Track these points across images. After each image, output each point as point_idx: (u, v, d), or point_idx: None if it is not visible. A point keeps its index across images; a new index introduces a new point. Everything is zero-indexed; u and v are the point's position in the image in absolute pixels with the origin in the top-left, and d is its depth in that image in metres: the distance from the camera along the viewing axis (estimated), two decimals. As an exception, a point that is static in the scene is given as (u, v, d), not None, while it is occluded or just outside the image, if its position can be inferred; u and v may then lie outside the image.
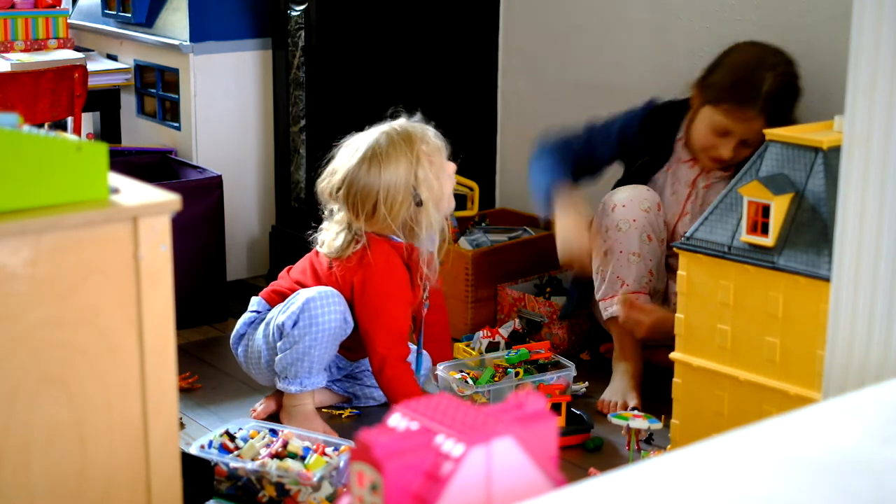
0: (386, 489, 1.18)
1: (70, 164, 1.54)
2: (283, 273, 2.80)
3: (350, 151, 2.63)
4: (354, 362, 2.82)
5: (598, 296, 2.83)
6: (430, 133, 2.66)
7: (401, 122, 2.68)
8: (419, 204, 2.60)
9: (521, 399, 1.28)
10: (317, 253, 2.73)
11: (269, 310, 2.71)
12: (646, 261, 2.77)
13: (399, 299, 2.65)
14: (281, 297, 2.71)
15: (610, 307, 2.79)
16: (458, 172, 3.41)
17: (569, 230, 2.77)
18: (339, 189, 2.63)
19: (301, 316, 2.58)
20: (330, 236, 2.69)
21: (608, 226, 2.78)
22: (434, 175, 2.62)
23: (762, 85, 2.68)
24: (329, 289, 2.62)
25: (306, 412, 2.67)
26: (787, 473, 1.19)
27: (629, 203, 2.77)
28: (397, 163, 2.59)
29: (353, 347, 2.72)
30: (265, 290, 2.78)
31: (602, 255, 2.79)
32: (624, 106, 2.91)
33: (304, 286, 2.68)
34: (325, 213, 2.73)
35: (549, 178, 2.86)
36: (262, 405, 2.77)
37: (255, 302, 2.77)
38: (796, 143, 2.26)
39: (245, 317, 2.76)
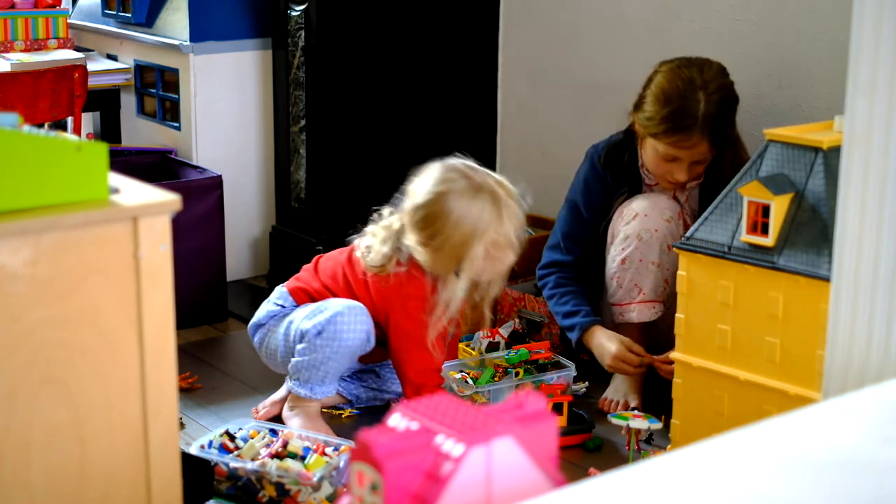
0: (386, 489, 1.18)
1: (70, 164, 1.54)
2: (310, 267, 2.75)
3: (455, 172, 2.55)
4: (364, 364, 2.82)
5: (612, 300, 2.82)
6: (515, 224, 2.56)
7: (508, 194, 2.56)
8: (456, 273, 2.56)
9: (521, 399, 1.28)
10: (349, 260, 2.69)
11: (295, 307, 2.70)
12: (663, 270, 2.76)
13: (437, 335, 2.61)
14: (309, 297, 2.69)
15: (627, 313, 2.79)
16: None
17: (610, 344, 2.75)
18: (418, 196, 2.55)
19: (327, 327, 2.57)
20: (376, 243, 2.62)
21: (628, 234, 2.77)
22: (487, 260, 2.55)
23: (697, 109, 2.65)
24: (358, 305, 2.60)
25: (310, 413, 2.67)
26: (787, 473, 1.19)
27: (651, 212, 2.76)
28: (469, 219, 2.51)
29: (366, 353, 2.71)
30: (293, 283, 2.74)
31: (620, 263, 2.79)
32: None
33: (332, 292, 2.66)
34: (374, 216, 2.68)
35: (567, 308, 2.85)
36: (265, 409, 2.76)
37: (281, 295, 2.74)
38: (796, 143, 2.26)
39: (269, 308, 2.74)
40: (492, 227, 2.52)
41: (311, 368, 2.60)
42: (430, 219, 2.53)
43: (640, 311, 2.78)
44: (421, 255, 2.56)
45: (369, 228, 2.67)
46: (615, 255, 2.80)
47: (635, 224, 2.77)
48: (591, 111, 3.38)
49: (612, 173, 2.87)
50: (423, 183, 2.57)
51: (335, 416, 2.80)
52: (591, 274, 2.90)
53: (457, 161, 2.59)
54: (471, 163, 2.59)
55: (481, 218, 2.51)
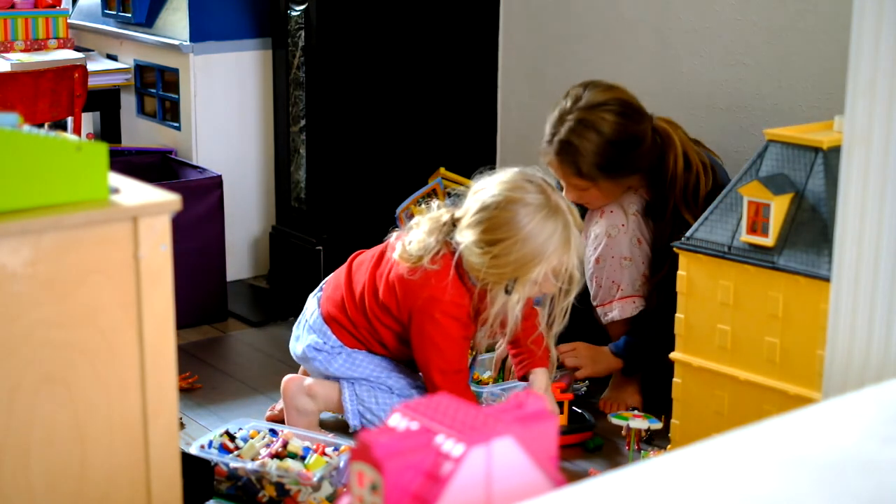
0: (386, 489, 1.18)
1: (70, 164, 1.54)
2: (341, 275, 2.64)
3: (532, 183, 2.42)
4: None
5: (595, 302, 2.81)
6: (578, 256, 2.44)
7: (577, 223, 2.44)
8: (507, 291, 2.44)
9: (521, 399, 1.28)
10: (378, 260, 2.58)
11: (341, 345, 2.61)
12: (637, 264, 2.76)
13: (458, 338, 2.52)
14: (353, 338, 2.60)
15: (609, 312, 2.79)
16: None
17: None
18: (487, 195, 2.42)
19: None
20: (419, 235, 2.49)
21: (597, 232, 2.77)
22: (540, 283, 2.43)
23: (556, 132, 2.69)
24: None
25: (313, 421, 2.66)
26: (787, 473, 1.19)
27: (615, 208, 2.76)
28: (539, 239, 2.38)
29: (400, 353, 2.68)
30: (327, 307, 2.63)
31: (595, 263, 2.78)
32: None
33: (365, 305, 2.57)
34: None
35: None
36: (281, 408, 2.74)
37: (322, 330, 2.62)
38: (796, 143, 2.26)
39: (311, 341, 2.63)
40: (557, 253, 2.39)
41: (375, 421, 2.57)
42: (497, 224, 2.39)
43: (621, 308, 2.78)
44: (475, 256, 2.42)
45: (413, 221, 2.55)
46: (590, 255, 2.79)
47: (602, 222, 2.77)
48: (591, 111, 3.38)
49: None
50: (494, 183, 2.43)
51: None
52: None
53: (533, 172, 2.46)
54: (549, 179, 2.46)
55: (550, 241, 2.38)
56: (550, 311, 2.53)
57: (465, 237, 2.43)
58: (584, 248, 2.47)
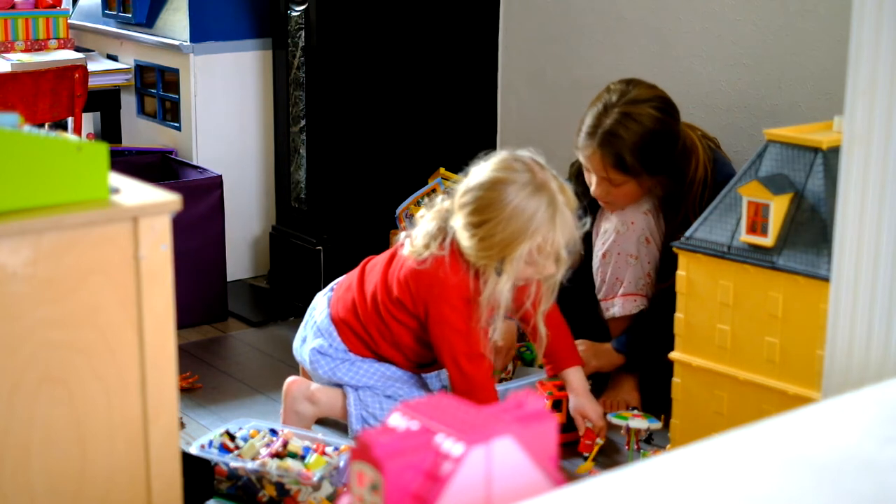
0: (386, 489, 1.18)
1: (70, 164, 1.54)
2: (354, 278, 2.64)
3: (520, 163, 2.42)
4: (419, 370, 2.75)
5: (599, 296, 2.82)
6: (566, 234, 2.42)
7: (568, 202, 2.42)
8: (498, 273, 2.44)
9: (521, 399, 1.28)
10: (390, 260, 2.58)
11: (346, 351, 2.60)
12: (643, 263, 2.76)
13: (475, 321, 2.50)
14: (361, 342, 2.60)
15: (611, 307, 2.79)
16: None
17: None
18: (475, 177, 2.43)
19: None
20: (423, 226, 2.50)
21: (607, 228, 2.78)
22: (529, 263, 2.42)
23: (600, 123, 2.67)
24: None
25: (307, 420, 2.66)
26: (787, 473, 1.19)
27: (628, 205, 2.77)
28: (524, 216, 2.37)
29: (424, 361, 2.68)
30: (338, 309, 2.62)
31: (601, 258, 2.79)
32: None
33: (378, 304, 2.56)
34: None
35: None
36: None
37: (329, 331, 2.62)
38: (796, 143, 2.26)
39: (316, 345, 2.62)
40: (541, 230, 2.39)
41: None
42: (484, 204, 2.40)
43: (622, 305, 2.78)
44: (465, 239, 2.43)
45: (419, 214, 2.57)
46: (597, 250, 2.80)
47: (613, 217, 2.77)
48: (591, 111, 3.38)
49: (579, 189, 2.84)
50: (484, 166, 2.45)
51: (335, 416, 2.80)
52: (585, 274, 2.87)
53: (524, 153, 2.47)
54: (539, 159, 2.46)
55: (534, 217, 2.38)
56: (536, 291, 2.52)
57: (457, 221, 2.44)
58: (575, 227, 2.46)
